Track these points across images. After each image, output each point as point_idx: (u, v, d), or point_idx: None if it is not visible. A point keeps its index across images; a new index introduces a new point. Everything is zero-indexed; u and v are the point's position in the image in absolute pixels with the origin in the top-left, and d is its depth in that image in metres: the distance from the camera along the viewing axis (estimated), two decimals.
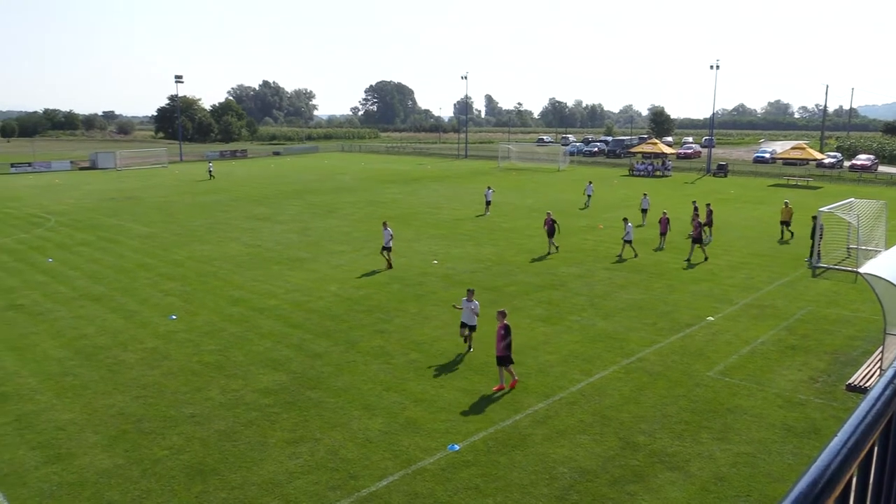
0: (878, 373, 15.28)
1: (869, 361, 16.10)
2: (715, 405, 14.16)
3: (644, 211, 36.38)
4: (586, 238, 32.14)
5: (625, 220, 28.89)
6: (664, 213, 29.94)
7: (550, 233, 28.61)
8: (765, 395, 14.66)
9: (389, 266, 25.81)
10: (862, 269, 14.63)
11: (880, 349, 16.09)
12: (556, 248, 28.83)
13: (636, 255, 27.94)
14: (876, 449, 1.41)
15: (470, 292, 16.91)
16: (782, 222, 32.23)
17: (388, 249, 25.75)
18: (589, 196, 43.73)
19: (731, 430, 13.04)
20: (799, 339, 18.20)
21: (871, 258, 17.73)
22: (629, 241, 28.06)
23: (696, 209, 31.14)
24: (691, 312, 20.55)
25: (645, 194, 37.81)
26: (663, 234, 29.78)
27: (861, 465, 1.32)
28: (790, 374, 15.79)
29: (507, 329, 14.63)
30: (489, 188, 42.00)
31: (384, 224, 26.15)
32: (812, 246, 27.10)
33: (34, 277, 25.21)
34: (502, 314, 14.94)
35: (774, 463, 11.86)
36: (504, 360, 14.68)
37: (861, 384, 14.79)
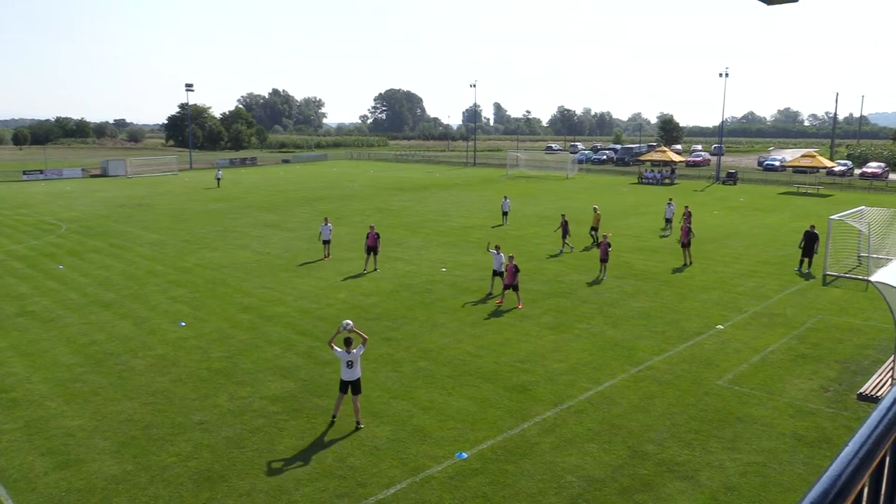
0: (889, 382, 15.15)
1: (880, 370, 15.97)
2: (724, 414, 14.07)
3: (668, 220, 35.52)
4: (595, 247, 32.05)
5: (497, 247, 23.38)
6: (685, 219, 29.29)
7: (564, 234, 31.00)
8: (775, 403, 14.56)
9: (327, 256, 29.33)
10: (873, 278, 14.54)
11: (892, 358, 15.97)
12: (571, 248, 31.18)
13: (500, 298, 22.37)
14: (888, 459, 1.40)
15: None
16: (592, 228, 32.65)
17: (328, 243, 29.25)
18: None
19: (741, 440, 12.95)
20: (809, 348, 18.07)
21: (882, 266, 17.60)
22: (498, 274, 22.83)
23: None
24: (701, 321, 20.45)
25: (669, 200, 36.48)
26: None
27: (873, 475, 1.31)
28: (800, 383, 15.67)
29: (517, 268, 21.29)
30: (506, 198, 40.67)
31: (325, 220, 29.84)
32: (801, 255, 26.95)
33: (45, 284, 25.39)
34: (511, 258, 21.60)
35: (785, 472, 11.77)
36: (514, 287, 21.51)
37: (872, 393, 14.67)
